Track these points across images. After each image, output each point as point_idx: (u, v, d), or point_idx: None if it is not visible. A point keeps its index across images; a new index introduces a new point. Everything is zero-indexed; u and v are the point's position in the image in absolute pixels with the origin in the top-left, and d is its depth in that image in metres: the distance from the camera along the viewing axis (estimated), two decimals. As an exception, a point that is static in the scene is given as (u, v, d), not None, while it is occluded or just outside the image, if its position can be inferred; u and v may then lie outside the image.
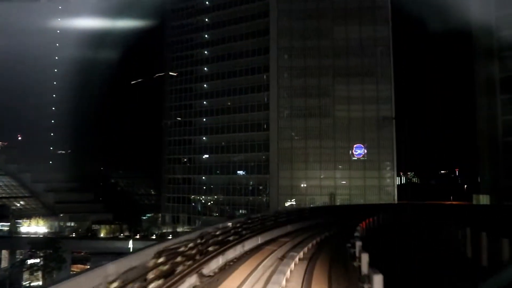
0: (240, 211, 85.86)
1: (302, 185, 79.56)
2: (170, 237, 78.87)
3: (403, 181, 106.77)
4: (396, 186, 77.27)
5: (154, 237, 77.48)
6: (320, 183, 78.49)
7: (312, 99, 79.85)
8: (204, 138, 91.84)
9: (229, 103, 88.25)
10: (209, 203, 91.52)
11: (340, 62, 79.66)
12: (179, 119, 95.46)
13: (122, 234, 76.80)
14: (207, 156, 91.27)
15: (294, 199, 79.82)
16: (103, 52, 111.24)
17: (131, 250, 61.74)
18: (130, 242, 61.62)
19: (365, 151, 76.83)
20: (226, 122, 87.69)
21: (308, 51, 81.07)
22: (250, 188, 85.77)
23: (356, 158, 77.53)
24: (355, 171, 77.82)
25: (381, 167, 77.91)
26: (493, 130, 79.27)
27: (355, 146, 77.17)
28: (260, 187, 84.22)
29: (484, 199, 75.60)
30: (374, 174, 77.71)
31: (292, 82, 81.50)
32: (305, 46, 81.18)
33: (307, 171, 78.78)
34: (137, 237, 75.20)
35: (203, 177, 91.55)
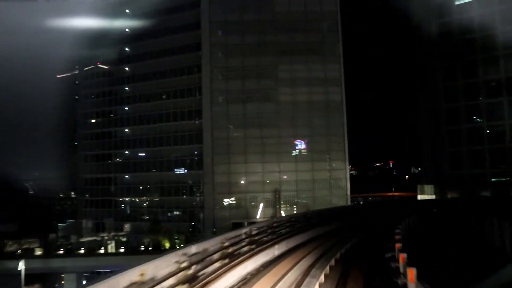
0: (175, 213, 73.92)
1: (241, 182, 68.35)
2: (81, 251, 65.43)
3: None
4: (348, 179, 68.20)
5: (61, 251, 63.04)
6: (263, 178, 67.79)
7: (251, 81, 68.84)
8: (126, 130, 78.16)
9: (154, 88, 75.10)
10: (138, 206, 77.89)
11: (283, 38, 69.27)
12: (96, 109, 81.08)
13: (21, 250, 61.66)
14: (131, 150, 77.73)
15: (233, 198, 68.62)
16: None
17: (22, 272, 47.65)
18: (21, 263, 47.31)
19: (305, 146, 67.28)
20: (152, 111, 74.67)
21: (245, 26, 69.77)
22: (186, 186, 73.42)
23: (298, 152, 67.92)
24: (302, 164, 67.84)
25: (332, 157, 68.50)
26: (436, 119, 77.92)
27: (295, 141, 67.65)
28: (193, 185, 72.07)
29: (428, 189, 75.56)
30: (324, 166, 68.29)
31: (227, 62, 69.96)
32: (242, 20, 69.84)
33: (246, 165, 67.66)
34: (39, 253, 60.46)
35: (126, 176, 77.98)
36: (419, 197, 79.26)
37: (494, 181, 71.63)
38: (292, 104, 68.07)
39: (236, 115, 68.55)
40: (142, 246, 64.29)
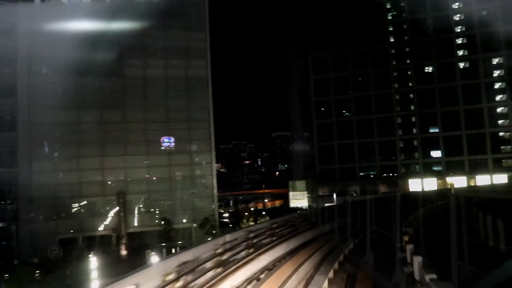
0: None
1: (72, 183, 50.96)
2: None
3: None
4: (215, 175, 55.38)
5: None
6: (103, 177, 51.71)
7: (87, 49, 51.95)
8: None
9: None
10: None
11: (132, -6, 54.09)
12: None
13: None
14: None
15: (61, 205, 50.84)
16: None
17: None
18: None
19: (173, 143, 53.66)
20: None
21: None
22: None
23: (163, 148, 53.64)
24: (156, 157, 53.29)
25: (194, 149, 55.03)
26: (307, 112, 77.28)
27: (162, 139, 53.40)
28: (3, 188, 52.35)
29: (300, 185, 76.84)
30: (185, 160, 54.53)
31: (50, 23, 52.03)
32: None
33: (80, 160, 50.76)
34: None
35: None
36: (291, 194, 77.69)
37: (362, 175, 73.40)
38: (143, 80, 53.29)
39: (65, 91, 50.95)
40: None
